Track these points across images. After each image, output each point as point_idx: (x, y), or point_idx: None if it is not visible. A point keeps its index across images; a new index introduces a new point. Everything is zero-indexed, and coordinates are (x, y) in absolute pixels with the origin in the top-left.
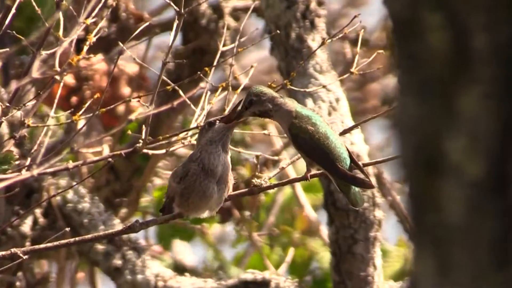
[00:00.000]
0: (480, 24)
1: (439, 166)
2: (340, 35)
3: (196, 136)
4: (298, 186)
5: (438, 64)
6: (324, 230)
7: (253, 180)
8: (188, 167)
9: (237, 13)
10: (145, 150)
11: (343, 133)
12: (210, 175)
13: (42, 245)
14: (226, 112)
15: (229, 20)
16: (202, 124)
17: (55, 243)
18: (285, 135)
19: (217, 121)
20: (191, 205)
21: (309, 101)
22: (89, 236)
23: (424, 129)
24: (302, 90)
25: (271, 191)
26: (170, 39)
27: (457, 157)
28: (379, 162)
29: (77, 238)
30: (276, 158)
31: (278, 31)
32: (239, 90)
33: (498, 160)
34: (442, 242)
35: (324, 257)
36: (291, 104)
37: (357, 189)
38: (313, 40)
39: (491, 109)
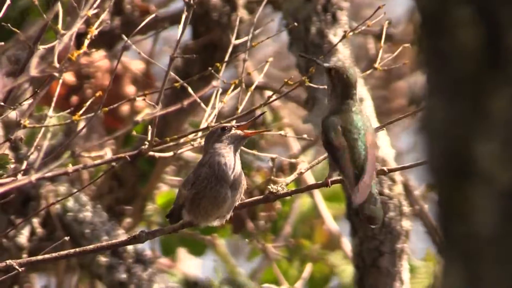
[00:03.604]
0: None
1: (469, 173)
2: (363, 28)
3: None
4: (318, 194)
5: (468, 62)
6: (346, 243)
7: (268, 186)
8: (199, 172)
9: (251, 6)
10: (151, 153)
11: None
12: (222, 179)
13: (39, 257)
14: (239, 115)
15: (243, 13)
16: (213, 125)
17: (54, 254)
18: (304, 137)
19: (233, 128)
20: (202, 211)
21: None
22: (91, 246)
23: (454, 133)
24: (322, 87)
25: (288, 198)
26: (178, 32)
27: (489, 163)
28: (405, 168)
29: (78, 249)
30: (293, 161)
31: (296, 24)
32: (252, 88)
33: None
34: (473, 254)
35: (345, 270)
36: (353, 108)
37: (378, 204)
38: (335, 35)
39: None
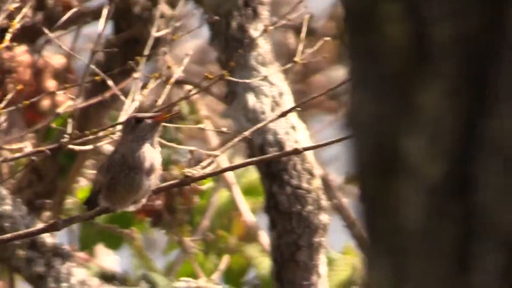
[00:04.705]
0: (441, 15)
1: (396, 167)
2: (283, 22)
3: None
4: (236, 188)
5: (396, 58)
6: (264, 236)
7: (184, 170)
8: (112, 158)
9: (174, 1)
10: (70, 146)
11: (281, 116)
12: (136, 168)
13: None
14: (157, 107)
15: (164, 8)
16: (129, 116)
17: None
18: (223, 130)
19: (145, 119)
20: (118, 196)
21: (250, 96)
22: (8, 235)
23: (381, 128)
24: (241, 81)
25: (205, 187)
26: (100, 27)
27: (417, 158)
28: (320, 146)
29: None
30: (214, 153)
31: (217, 18)
32: (172, 81)
33: (459, 161)
34: (399, 249)
35: (262, 263)
36: None
37: None
38: (256, 30)
39: (453, 106)
